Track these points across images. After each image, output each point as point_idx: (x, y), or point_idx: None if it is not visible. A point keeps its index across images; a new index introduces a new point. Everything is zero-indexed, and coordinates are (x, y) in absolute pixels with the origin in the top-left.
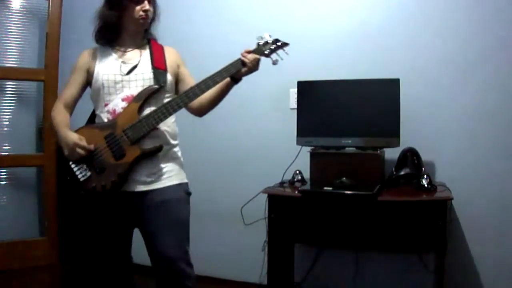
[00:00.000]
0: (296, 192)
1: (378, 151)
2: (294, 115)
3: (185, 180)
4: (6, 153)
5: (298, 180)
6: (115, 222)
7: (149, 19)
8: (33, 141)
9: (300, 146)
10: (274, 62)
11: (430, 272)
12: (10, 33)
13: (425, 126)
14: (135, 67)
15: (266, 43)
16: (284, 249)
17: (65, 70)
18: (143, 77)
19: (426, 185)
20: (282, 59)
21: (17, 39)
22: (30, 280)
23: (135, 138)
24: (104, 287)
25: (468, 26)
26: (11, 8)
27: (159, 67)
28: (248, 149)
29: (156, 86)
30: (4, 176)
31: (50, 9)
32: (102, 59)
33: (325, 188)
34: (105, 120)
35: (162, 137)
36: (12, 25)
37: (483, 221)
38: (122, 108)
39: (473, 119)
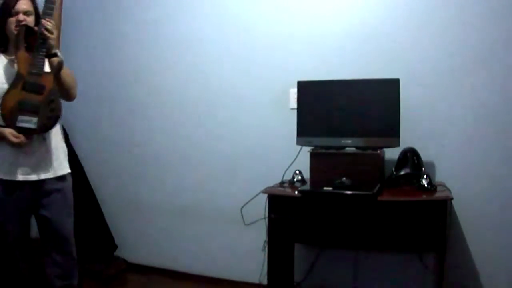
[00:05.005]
0: (296, 192)
1: (378, 151)
2: (294, 115)
3: (69, 169)
4: None
5: (298, 180)
6: (17, 211)
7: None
8: None
9: (300, 146)
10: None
11: (430, 272)
12: None
13: (425, 126)
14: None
15: None
16: (284, 249)
17: None
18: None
19: (426, 185)
20: None
21: None
22: None
23: (41, 69)
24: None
25: (467, 26)
26: None
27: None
28: (248, 149)
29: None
30: None
31: None
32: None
33: (325, 188)
34: None
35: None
36: None
37: (483, 221)
38: None
39: (473, 119)
